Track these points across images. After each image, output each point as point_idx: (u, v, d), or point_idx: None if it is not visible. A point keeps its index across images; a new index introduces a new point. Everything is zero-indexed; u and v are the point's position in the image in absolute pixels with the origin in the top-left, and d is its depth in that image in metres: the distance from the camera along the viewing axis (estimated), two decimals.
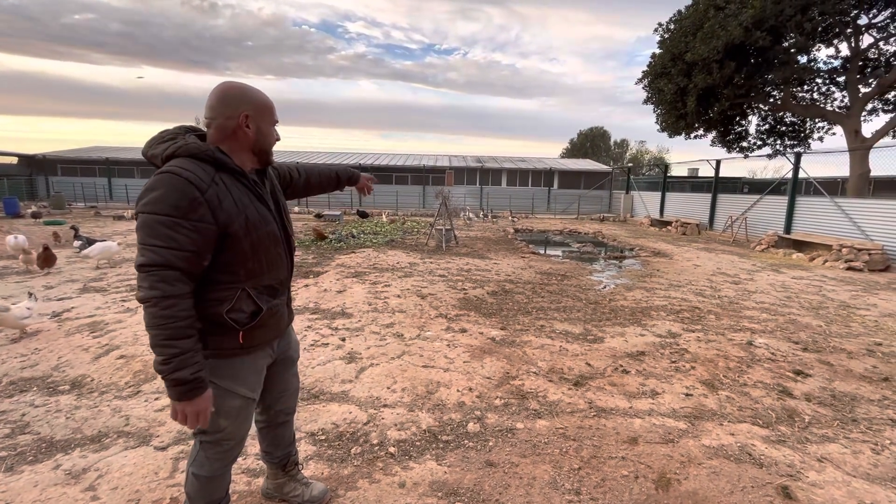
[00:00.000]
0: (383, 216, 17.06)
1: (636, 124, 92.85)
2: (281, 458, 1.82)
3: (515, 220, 19.04)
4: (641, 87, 16.41)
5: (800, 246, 10.54)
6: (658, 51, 15.16)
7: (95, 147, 28.01)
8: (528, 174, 26.26)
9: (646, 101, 16.41)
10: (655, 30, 15.32)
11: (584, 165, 27.99)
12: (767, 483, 2.11)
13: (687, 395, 3.03)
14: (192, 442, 2.06)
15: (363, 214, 17.36)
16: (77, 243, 7.84)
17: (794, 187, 12.24)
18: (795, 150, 14.19)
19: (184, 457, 2.24)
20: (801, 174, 12.34)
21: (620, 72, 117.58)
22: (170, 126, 1.35)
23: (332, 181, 1.97)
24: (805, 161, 12.41)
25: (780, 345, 4.06)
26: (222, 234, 1.22)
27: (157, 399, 2.81)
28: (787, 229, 12.07)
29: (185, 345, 1.17)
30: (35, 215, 14.80)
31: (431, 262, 7.93)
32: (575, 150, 48.99)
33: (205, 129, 1.34)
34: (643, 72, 16.07)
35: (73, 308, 4.73)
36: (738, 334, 4.33)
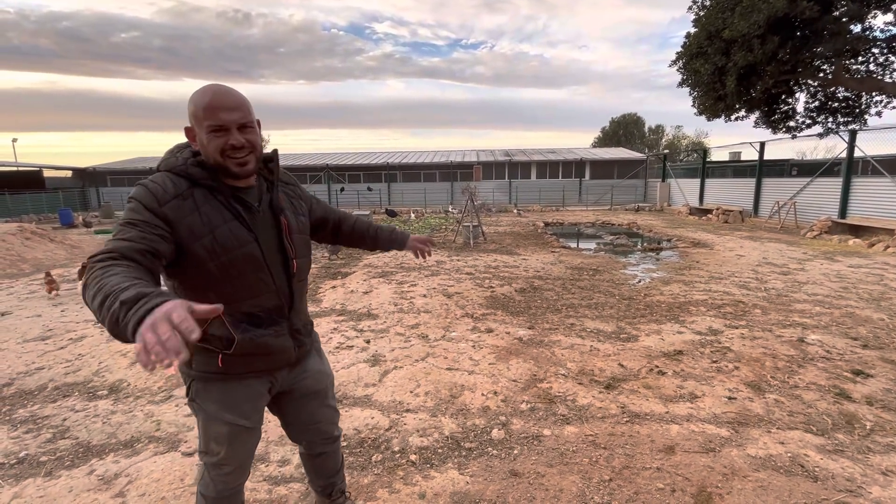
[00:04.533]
0: (411, 214, 17.12)
1: (672, 109, 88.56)
2: (323, 486, 1.75)
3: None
4: (676, 70, 15.57)
5: (857, 231, 9.76)
6: (693, 30, 14.36)
7: (140, 158, 29.52)
8: (559, 165, 25.68)
9: (681, 84, 15.55)
10: (690, 8, 14.50)
11: (617, 154, 27.09)
12: (824, 499, 1.91)
13: (730, 398, 2.82)
14: None
15: (392, 213, 17.50)
16: None
17: (850, 167, 11.35)
18: (850, 127, 13.12)
19: None
20: (857, 153, 11.43)
21: (654, 55, 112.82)
22: None
23: (367, 240, 1.75)
24: (861, 139, 11.48)
25: (835, 341, 3.73)
26: (180, 250, 1.14)
27: (186, 404, 2.87)
28: (842, 213, 11.21)
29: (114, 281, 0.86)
30: (87, 224, 15.77)
31: (458, 260, 7.85)
32: (607, 139, 47.48)
33: None
34: (677, 53, 15.20)
35: None
36: (788, 330, 4.01)
